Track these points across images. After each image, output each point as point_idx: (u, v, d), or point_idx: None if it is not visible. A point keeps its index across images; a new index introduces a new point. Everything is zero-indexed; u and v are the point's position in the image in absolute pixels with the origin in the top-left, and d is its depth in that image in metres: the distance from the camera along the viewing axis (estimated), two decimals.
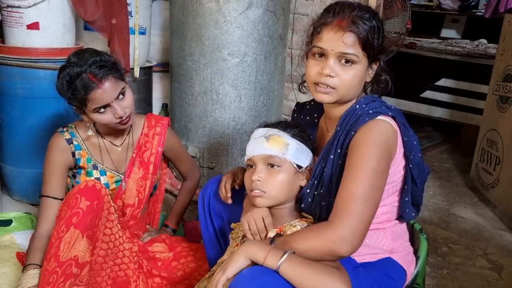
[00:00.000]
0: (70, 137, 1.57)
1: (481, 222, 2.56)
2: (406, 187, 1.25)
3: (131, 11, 2.47)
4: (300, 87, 1.39)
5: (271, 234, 1.22)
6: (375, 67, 1.25)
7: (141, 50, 2.60)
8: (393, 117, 1.19)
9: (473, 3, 4.47)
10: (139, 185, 1.66)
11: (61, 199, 1.50)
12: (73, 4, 2.19)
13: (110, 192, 1.57)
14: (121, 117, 1.47)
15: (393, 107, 1.22)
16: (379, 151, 1.12)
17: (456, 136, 4.18)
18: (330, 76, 1.18)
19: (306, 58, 1.26)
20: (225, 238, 1.54)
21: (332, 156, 1.21)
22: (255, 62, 2.30)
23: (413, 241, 1.42)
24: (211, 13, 2.21)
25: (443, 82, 4.19)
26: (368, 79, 1.26)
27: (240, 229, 1.36)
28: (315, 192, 1.25)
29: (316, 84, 1.21)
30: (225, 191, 1.44)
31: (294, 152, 1.25)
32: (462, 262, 2.12)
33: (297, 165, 1.25)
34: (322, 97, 1.22)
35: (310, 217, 1.29)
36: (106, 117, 1.47)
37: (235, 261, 1.09)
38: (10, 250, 1.69)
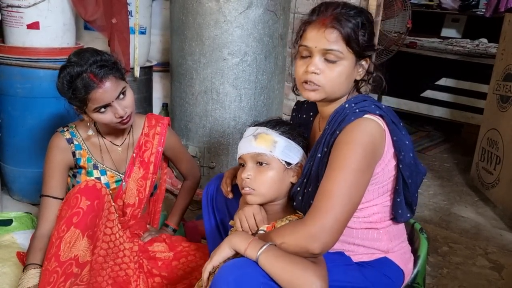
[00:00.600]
0: (70, 136, 1.57)
1: (482, 221, 2.56)
2: (397, 187, 1.25)
3: (131, 11, 2.47)
4: (294, 89, 1.39)
5: (262, 230, 1.23)
6: (365, 64, 1.25)
7: (141, 50, 2.60)
8: (382, 116, 1.18)
9: (473, 2, 4.46)
10: (140, 185, 1.66)
11: (62, 199, 1.50)
12: (73, 4, 2.19)
13: (111, 191, 1.57)
14: (121, 117, 1.47)
15: (384, 107, 1.21)
16: (361, 150, 1.12)
17: (456, 136, 4.18)
18: (315, 73, 1.19)
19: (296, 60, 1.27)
20: (227, 233, 1.55)
21: (319, 155, 1.21)
22: (256, 62, 2.30)
23: (413, 240, 1.42)
24: (211, 13, 2.21)
25: (443, 81, 4.19)
26: (358, 77, 1.26)
27: None
28: (305, 190, 1.25)
29: (304, 82, 1.22)
30: (226, 186, 1.49)
31: (283, 149, 1.26)
32: (463, 262, 2.12)
33: (286, 162, 1.27)
34: (310, 95, 1.23)
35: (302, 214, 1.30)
36: (106, 117, 1.47)
37: (221, 251, 1.14)
38: (11, 250, 1.69)
